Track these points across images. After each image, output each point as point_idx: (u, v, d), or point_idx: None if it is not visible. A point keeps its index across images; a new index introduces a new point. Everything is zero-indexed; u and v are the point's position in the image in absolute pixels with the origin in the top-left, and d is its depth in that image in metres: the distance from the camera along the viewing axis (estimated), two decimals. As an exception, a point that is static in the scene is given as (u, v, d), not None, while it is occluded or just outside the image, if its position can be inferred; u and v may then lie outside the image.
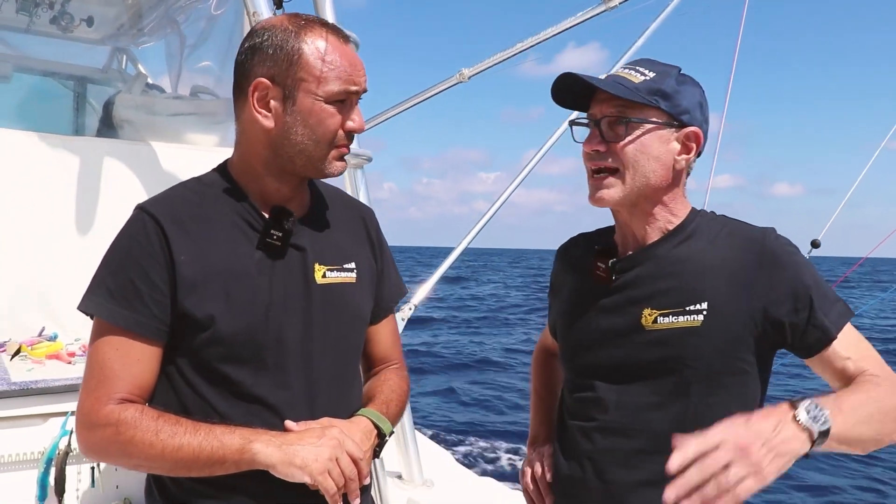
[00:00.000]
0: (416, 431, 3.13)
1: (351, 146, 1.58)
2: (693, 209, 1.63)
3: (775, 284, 1.47)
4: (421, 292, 3.59)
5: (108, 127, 3.45)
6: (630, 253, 1.61)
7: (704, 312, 1.48)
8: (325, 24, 1.53)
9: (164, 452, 1.38)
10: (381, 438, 1.61)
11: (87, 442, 1.45)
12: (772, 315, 1.46)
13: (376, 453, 1.61)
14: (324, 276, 1.59)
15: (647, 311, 1.53)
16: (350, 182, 2.78)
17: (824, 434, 1.23)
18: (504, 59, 4.47)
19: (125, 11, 4.21)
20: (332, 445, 1.43)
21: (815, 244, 4.25)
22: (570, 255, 1.80)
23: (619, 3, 4.52)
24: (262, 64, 1.49)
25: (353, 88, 1.51)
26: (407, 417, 2.99)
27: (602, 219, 1.74)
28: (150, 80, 4.08)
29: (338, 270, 1.62)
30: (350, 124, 1.52)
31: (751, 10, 4.78)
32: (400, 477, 3.04)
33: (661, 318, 1.51)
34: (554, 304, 1.83)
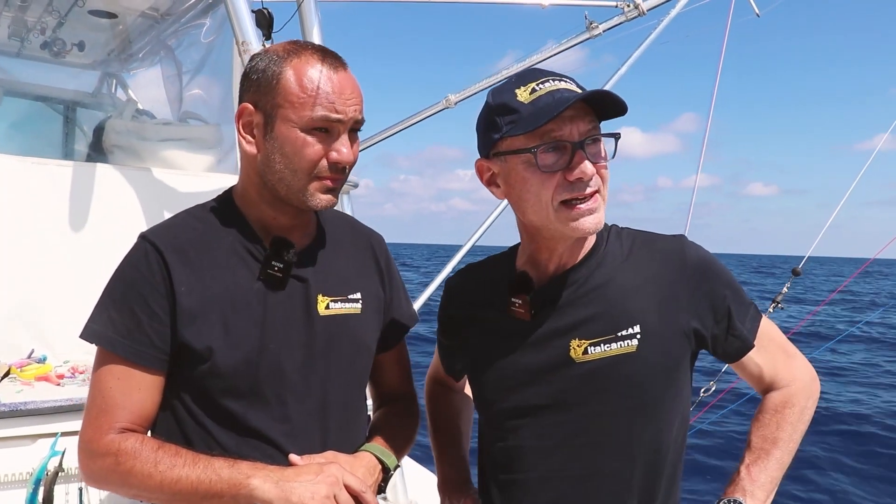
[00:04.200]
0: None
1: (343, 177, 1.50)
2: None
3: (697, 296, 1.43)
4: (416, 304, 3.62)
5: (97, 152, 3.49)
6: (546, 282, 1.48)
7: (638, 336, 1.39)
8: (316, 50, 1.46)
9: (163, 484, 1.35)
10: (387, 473, 1.56)
11: (89, 470, 1.43)
12: (697, 328, 1.43)
13: (381, 488, 1.56)
14: (327, 307, 1.54)
15: (574, 343, 1.41)
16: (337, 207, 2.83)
17: None
18: (489, 86, 4.57)
19: (115, 37, 4.27)
20: (329, 482, 1.37)
21: (795, 273, 4.33)
22: (467, 291, 1.64)
23: (603, 32, 4.63)
24: (248, 90, 1.47)
25: (336, 117, 1.41)
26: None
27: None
28: (139, 106, 4.13)
29: (342, 301, 1.56)
30: (334, 155, 1.43)
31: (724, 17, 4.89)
32: (385, 498, 3.05)
33: (592, 348, 1.40)
34: (453, 345, 1.68)
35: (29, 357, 2.73)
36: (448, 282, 1.69)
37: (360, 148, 1.53)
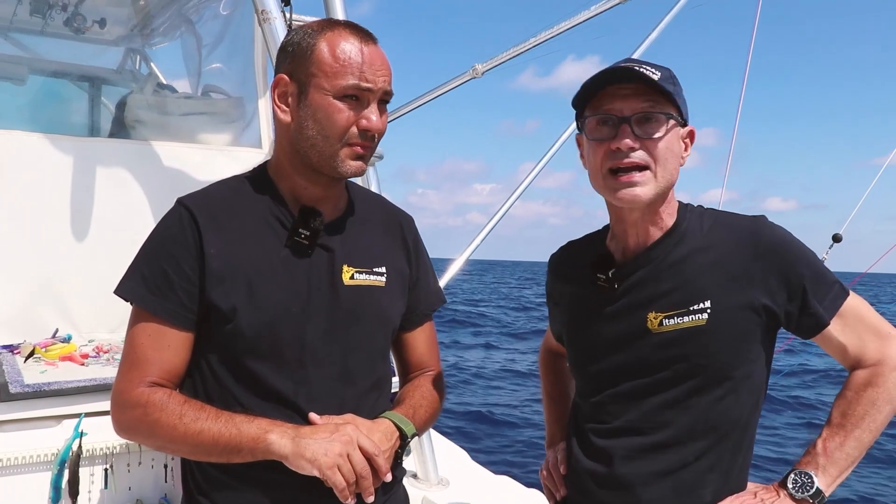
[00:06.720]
0: (432, 430, 3.11)
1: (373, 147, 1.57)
2: (681, 204, 1.64)
3: (770, 274, 1.50)
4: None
5: (120, 128, 3.45)
6: (629, 258, 1.61)
7: (708, 311, 1.50)
8: (349, 25, 1.55)
9: (186, 436, 1.44)
10: (404, 440, 1.61)
11: (119, 420, 1.52)
12: (768, 304, 1.51)
13: (398, 455, 1.61)
14: (352, 277, 1.61)
15: (651, 315, 1.55)
16: (361, 179, 2.76)
17: (817, 495, 1.46)
18: (518, 54, 4.44)
19: (137, 12, 4.22)
20: (344, 441, 1.43)
21: (836, 238, 4.21)
22: (563, 265, 1.81)
23: (633, -4, 4.49)
24: (284, 61, 1.55)
25: (366, 85, 1.49)
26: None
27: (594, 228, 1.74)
28: (162, 80, 4.08)
29: (367, 273, 1.63)
30: (364, 122, 1.51)
31: (747, 27, 4.78)
32: (415, 476, 3.02)
33: (667, 321, 1.53)
34: (555, 312, 1.85)
35: (53, 336, 2.72)
36: (551, 257, 1.86)
37: (389, 119, 1.60)
